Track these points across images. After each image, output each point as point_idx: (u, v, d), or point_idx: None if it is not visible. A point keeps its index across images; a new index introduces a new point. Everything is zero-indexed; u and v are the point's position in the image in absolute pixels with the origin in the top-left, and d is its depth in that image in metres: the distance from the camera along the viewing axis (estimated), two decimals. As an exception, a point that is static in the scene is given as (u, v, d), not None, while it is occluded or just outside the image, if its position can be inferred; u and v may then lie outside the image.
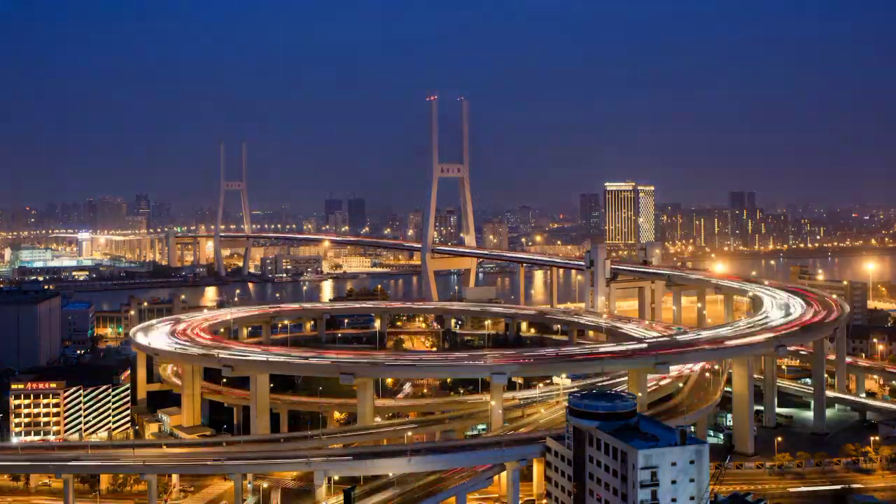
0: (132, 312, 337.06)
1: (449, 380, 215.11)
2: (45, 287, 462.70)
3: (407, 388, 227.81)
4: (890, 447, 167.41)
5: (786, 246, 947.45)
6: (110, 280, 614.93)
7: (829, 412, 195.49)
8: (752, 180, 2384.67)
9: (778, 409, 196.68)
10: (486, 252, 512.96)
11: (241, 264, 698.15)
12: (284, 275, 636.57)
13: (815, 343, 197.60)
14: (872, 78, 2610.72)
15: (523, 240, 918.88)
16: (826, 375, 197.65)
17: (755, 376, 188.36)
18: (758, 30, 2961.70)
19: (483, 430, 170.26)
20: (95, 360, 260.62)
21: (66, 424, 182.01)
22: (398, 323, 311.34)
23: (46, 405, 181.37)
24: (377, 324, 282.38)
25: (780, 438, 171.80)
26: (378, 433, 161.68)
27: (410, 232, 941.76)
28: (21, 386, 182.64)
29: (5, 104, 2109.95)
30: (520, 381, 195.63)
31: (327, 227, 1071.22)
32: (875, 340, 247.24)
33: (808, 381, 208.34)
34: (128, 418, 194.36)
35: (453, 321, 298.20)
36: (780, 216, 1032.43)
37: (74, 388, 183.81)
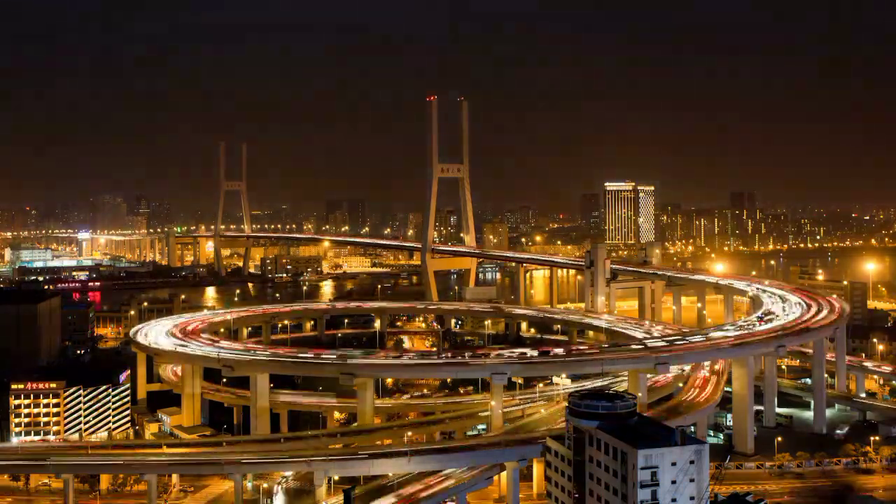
0: (132, 312, 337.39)
1: (449, 380, 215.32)
2: (46, 287, 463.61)
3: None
4: (890, 447, 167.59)
5: (786, 246, 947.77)
6: (110, 280, 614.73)
7: (829, 412, 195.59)
8: (752, 180, 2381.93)
9: (778, 409, 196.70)
10: (485, 252, 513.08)
11: (241, 264, 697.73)
12: (284, 275, 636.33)
13: (815, 343, 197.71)
14: (872, 78, 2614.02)
15: (523, 240, 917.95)
16: (826, 375, 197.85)
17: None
18: (758, 29, 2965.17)
19: (483, 430, 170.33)
20: (95, 361, 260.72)
21: (66, 424, 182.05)
22: (398, 323, 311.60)
23: (46, 405, 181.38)
24: (377, 324, 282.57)
25: (780, 438, 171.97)
26: (378, 433, 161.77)
27: (410, 232, 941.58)
28: (21, 386, 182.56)
29: (5, 104, 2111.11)
30: (519, 381, 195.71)
31: (327, 227, 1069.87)
32: (875, 340, 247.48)
33: (808, 380, 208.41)
34: (128, 418, 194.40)
35: (453, 321, 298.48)
36: (780, 216, 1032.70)
37: (74, 388, 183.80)
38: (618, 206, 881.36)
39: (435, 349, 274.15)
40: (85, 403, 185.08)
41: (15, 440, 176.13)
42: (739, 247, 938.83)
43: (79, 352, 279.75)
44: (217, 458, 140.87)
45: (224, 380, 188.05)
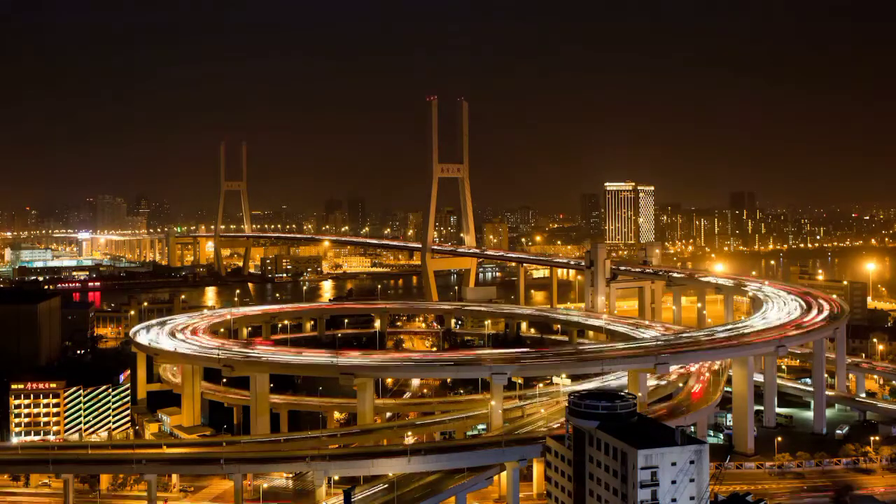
0: (132, 312, 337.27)
1: (449, 380, 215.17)
2: (46, 287, 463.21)
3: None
4: (890, 447, 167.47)
5: (786, 246, 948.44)
6: (110, 280, 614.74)
7: (829, 412, 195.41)
8: (752, 180, 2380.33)
9: (778, 409, 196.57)
10: (485, 252, 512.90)
11: (241, 264, 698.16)
12: (284, 275, 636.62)
13: (815, 343, 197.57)
14: (873, 77, 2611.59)
15: (523, 240, 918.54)
16: (826, 375, 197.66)
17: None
18: (758, 29, 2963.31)
19: (483, 429, 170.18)
20: (95, 360, 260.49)
21: (66, 424, 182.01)
22: (398, 323, 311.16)
23: (46, 405, 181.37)
24: (377, 324, 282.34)
25: (780, 438, 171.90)
26: (378, 433, 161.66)
27: (410, 232, 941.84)
28: (21, 386, 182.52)
29: (5, 105, 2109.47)
30: (519, 380, 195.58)
31: (327, 227, 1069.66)
32: (875, 340, 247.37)
33: (808, 380, 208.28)
34: (128, 418, 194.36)
35: (453, 321, 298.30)
36: (780, 216, 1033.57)
37: (74, 388, 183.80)
38: (618, 206, 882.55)
39: (435, 349, 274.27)
40: (85, 403, 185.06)
41: (15, 440, 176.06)
42: (739, 247, 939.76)
43: (79, 352, 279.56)
44: (217, 458, 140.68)
45: (224, 380, 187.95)
